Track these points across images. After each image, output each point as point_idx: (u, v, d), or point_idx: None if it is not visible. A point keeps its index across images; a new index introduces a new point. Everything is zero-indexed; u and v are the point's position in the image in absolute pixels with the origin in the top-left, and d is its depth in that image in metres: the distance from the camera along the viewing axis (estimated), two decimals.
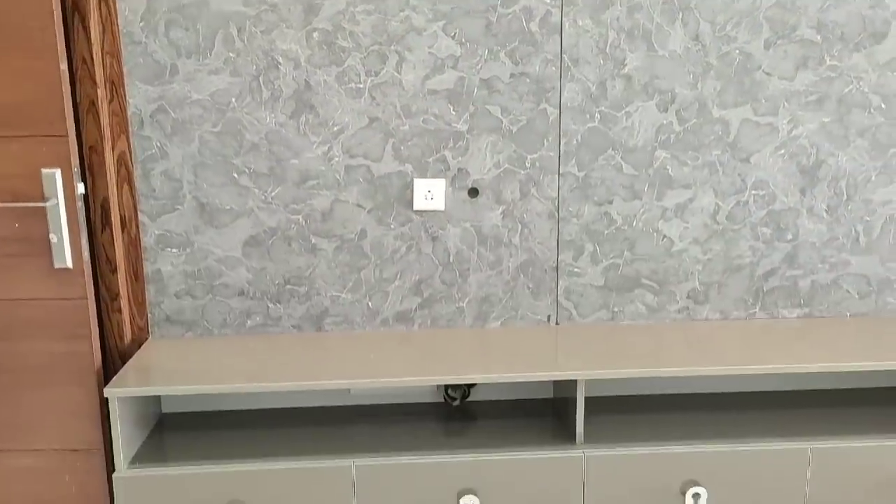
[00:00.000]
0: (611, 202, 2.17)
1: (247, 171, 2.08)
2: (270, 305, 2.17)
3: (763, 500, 1.93)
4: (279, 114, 2.05)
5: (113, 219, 1.99)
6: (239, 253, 2.13)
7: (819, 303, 2.26)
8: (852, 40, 2.09)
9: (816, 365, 1.90)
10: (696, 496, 1.89)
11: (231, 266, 2.13)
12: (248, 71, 2.02)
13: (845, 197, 2.19)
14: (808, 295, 2.25)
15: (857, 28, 2.08)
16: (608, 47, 2.07)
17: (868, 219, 2.20)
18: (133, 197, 2.07)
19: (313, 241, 2.14)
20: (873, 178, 2.18)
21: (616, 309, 2.24)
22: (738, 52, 2.09)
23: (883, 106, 2.13)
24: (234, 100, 2.04)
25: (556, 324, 2.24)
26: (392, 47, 2.04)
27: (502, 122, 2.10)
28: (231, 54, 2.01)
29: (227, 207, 2.10)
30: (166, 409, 2.18)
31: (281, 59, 2.02)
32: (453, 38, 2.05)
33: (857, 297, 2.26)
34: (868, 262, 2.23)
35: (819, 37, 2.09)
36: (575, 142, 2.13)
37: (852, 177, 2.18)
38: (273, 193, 2.10)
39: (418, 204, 2.14)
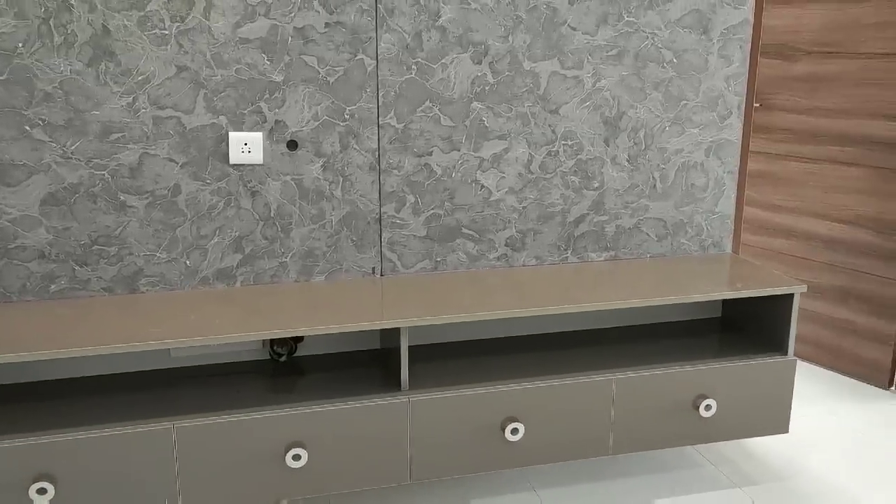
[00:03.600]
0: (430, 154, 2.21)
1: (41, 123, 1.92)
2: (77, 268, 2.03)
3: (574, 429, 2.07)
4: (75, 61, 1.90)
5: None
6: (36, 212, 1.97)
7: (623, 246, 2.43)
8: None
9: (617, 303, 2.05)
10: (515, 431, 2.00)
11: (28, 227, 1.97)
12: (35, 13, 1.85)
13: (643, 146, 2.36)
14: (613, 239, 2.42)
15: None
16: None
17: (663, 167, 2.39)
18: None
19: (122, 197, 2.02)
20: (667, 128, 2.36)
21: (438, 259, 2.30)
22: (545, 6, 2.18)
23: (674, 60, 2.30)
24: (20, 45, 1.86)
25: (381, 275, 2.26)
26: None
27: (319, 72, 2.07)
28: None
29: (21, 163, 1.93)
30: None
31: (73, 1, 1.87)
32: None
33: (655, 239, 2.45)
34: (664, 207, 2.42)
35: None
36: (393, 93, 2.14)
37: (649, 127, 2.34)
38: (73, 147, 1.95)
39: (235, 158, 2.07)
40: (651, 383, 2.11)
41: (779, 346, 2.25)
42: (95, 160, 1.98)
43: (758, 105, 3.16)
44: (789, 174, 3.11)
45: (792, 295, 2.18)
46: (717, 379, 2.15)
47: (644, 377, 2.10)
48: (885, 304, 2.88)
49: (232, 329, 1.84)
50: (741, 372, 2.17)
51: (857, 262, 2.95)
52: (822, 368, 3.14)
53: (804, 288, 2.17)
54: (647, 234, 2.44)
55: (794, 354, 3.14)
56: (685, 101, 2.35)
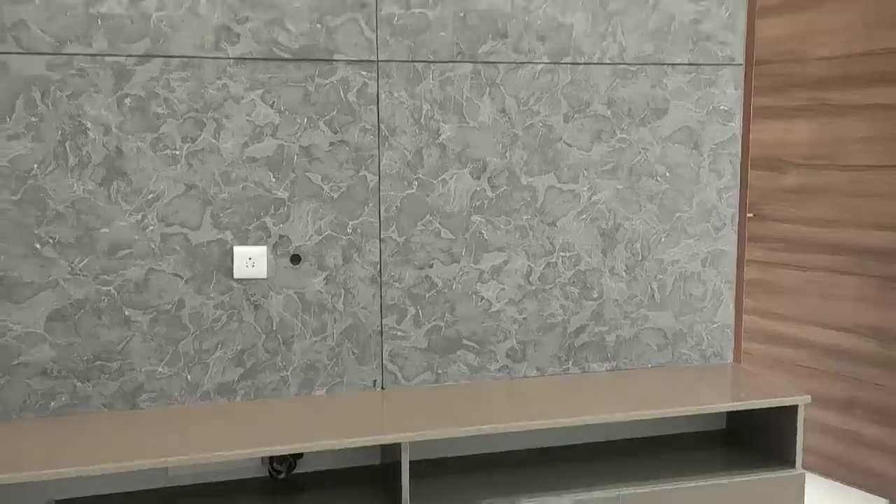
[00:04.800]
0: (431, 266, 2.25)
1: (51, 241, 1.96)
2: (78, 384, 2.03)
3: None
4: (88, 181, 1.97)
5: None
6: (41, 328, 1.99)
7: (624, 356, 2.43)
8: (638, 116, 2.33)
9: (620, 415, 2.03)
10: None
11: (32, 343, 1.99)
12: (52, 137, 1.93)
13: (641, 257, 2.40)
14: (613, 349, 2.42)
15: (642, 105, 2.33)
16: (423, 118, 2.18)
17: (661, 277, 2.42)
18: None
19: (126, 312, 2.04)
20: (663, 239, 2.40)
21: (440, 371, 2.29)
22: (541, 124, 2.27)
23: (668, 174, 2.38)
24: (36, 166, 1.93)
25: (382, 388, 2.26)
26: (209, 114, 2.03)
27: (323, 188, 2.13)
28: (34, 119, 1.92)
29: (28, 280, 1.96)
30: None
31: (90, 125, 1.95)
32: (272, 106, 2.07)
33: (656, 349, 2.45)
34: (663, 317, 2.44)
35: (610, 112, 2.31)
36: (395, 208, 2.19)
37: (645, 238, 2.39)
38: (81, 264, 1.99)
39: (239, 272, 2.11)
40: (658, 499, 2.06)
41: (786, 459, 2.22)
42: (102, 276, 2.01)
43: (751, 215, 3.23)
44: (787, 283, 3.14)
45: (797, 406, 2.17)
46: (725, 494, 2.11)
47: (651, 493, 2.05)
48: (891, 414, 2.85)
49: (230, 446, 1.82)
50: (750, 487, 2.13)
51: (860, 370, 2.94)
52: (831, 481, 3.07)
53: (808, 399, 2.16)
54: (648, 344, 2.45)
55: (803, 467, 3.07)
56: (679, 214, 2.40)
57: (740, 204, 2.46)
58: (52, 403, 2.02)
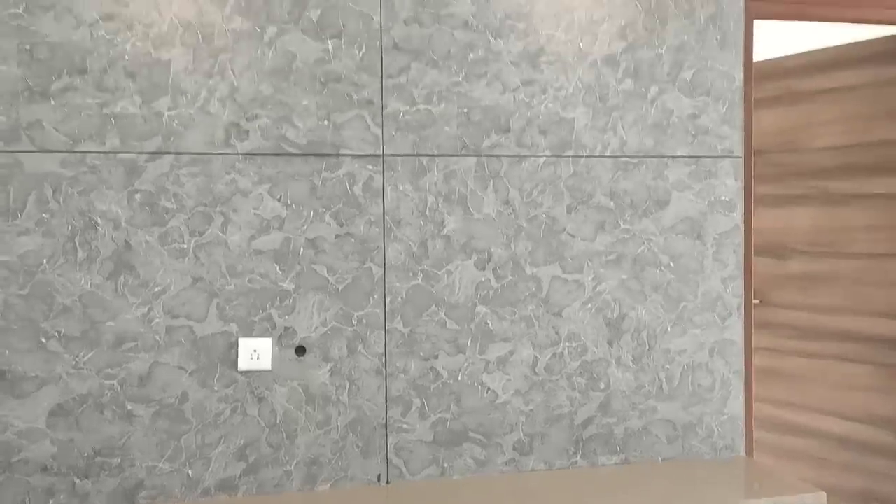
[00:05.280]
0: (436, 357, 2.23)
1: (56, 335, 1.97)
2: (77, 481, 2.00)
3: None
4: (95, 275, 1.99)
5: None
6: (43, 424, 1.97)
7: (633, 448, 2.39)
8: (641, 207, 2.36)
9: None
10: None
11: (34, 439, 1.96)
12: (62, 232, 1.96)
13: (647, 347, 2.38)
14: (622, 441, 2.38)
15: (644, 196, 2.36)
16: (427, 210, 2.21)
17: (668, 367, 2.40)
18: None
19: (129, 407, 2.02)
20: (669, 329, 2.39)
21: (446, 464, 2.25)
22: (544, 215, 2.29)
23: (672, 264, 2.39)
24: (45, 261, 1.95)
25: (387, 482, 2.21)
26: (218, 208, 2.06)
27: (328, 280, 2.15)
28: (44, 215, 1.95)
29: (32, 375, 1.96)
30: None
31: (99, 220, 1.99)
32: (279, 200, 2.10)
33: (665, 441, 2.41)
34: (672, 408, 2.41)
35: (612, 203, 2.34)
36: (400, 299, 2.20)
37: (651, 328, 2.38)
38: (86, 358, 1.99)
39: (243, 364, 2.10)
40: None
41: None
42: (106, 370, 2.00)
43: (757, 301, 3.22)
44: (797, 371, 3.11)
45: None
46: None
47: None
48: None
49: None
50: None
51: (875, 462, 2.87)
52: None
53: (824, 497, 2.10)
54: (657, 437, 2.40)
55: None
56: (685, 303, 2.40)
57: (745, 293, 2.46)
58: (51, 501, 1.98)
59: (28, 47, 1.94)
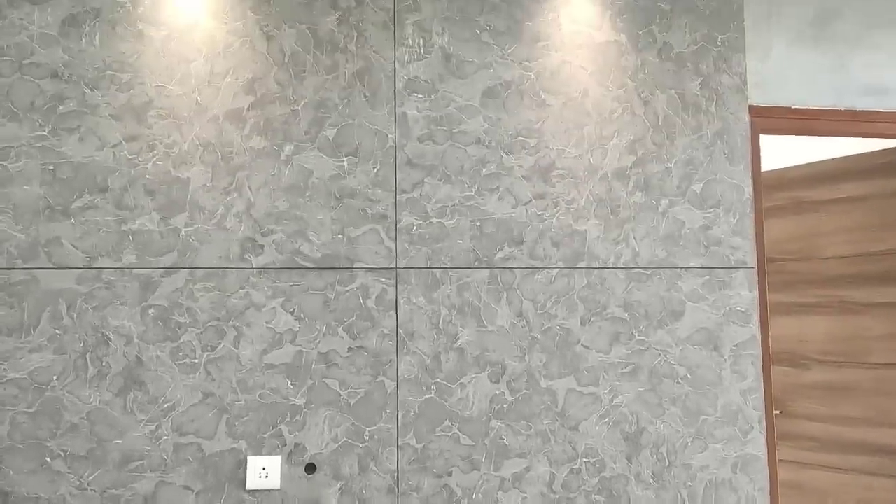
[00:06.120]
0: (450, 474, 2.17)
1: (62, 454, 1.92)
2: None
3: None
4: (105, 392, 1.96)
5: None
6: None
7: None
8: (655, 318, 2.34)
9: None
10: None
11: None
12: (73, 348, 1.95)
13: (667, 463, 2.31)
14: None
15: (658, 307, 2.34)
16: (441, 322, 2.19)
17: (690, 484, 2.32)
18: None
19: None
20: (689, 444, 2.33)
21: None
22: (558, 327, 2.27)
23: (689, 376, 2.34)
24: (55, 378, 1.93)
25: None
26: (230, 323, 2.05)
27: (340, 395, 2.11)
28: (57, 331, 1.94)
29: (34, 496, 1.90)
30: None
31: (112, 336, 1.98)
32: (292, 314, 2.10)
33: None
34: None
35: (627, 315, 2.32)
36: (412, 413, 2.15)
37: (671, 443, 2.32)
38: (90, 478, 1.93)
39: (252, 483, 2.04)
40: None
41: None
42: (111, 490, 1.95)
43: (778, 412, 3.15)
44: (821, 485, 3.00)
45: None
46: None
47: None
48: None
49: None
50: None
51: None
52: None
53: None
54: None
55: None
56: (705, 417, 2.34)
57: (766, 406, 2.41)
58: None
59: (52, 167, 1.98)
